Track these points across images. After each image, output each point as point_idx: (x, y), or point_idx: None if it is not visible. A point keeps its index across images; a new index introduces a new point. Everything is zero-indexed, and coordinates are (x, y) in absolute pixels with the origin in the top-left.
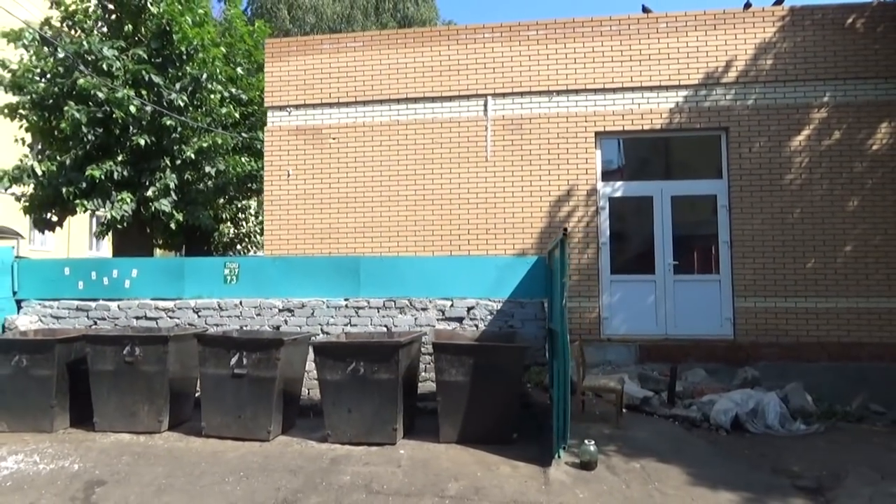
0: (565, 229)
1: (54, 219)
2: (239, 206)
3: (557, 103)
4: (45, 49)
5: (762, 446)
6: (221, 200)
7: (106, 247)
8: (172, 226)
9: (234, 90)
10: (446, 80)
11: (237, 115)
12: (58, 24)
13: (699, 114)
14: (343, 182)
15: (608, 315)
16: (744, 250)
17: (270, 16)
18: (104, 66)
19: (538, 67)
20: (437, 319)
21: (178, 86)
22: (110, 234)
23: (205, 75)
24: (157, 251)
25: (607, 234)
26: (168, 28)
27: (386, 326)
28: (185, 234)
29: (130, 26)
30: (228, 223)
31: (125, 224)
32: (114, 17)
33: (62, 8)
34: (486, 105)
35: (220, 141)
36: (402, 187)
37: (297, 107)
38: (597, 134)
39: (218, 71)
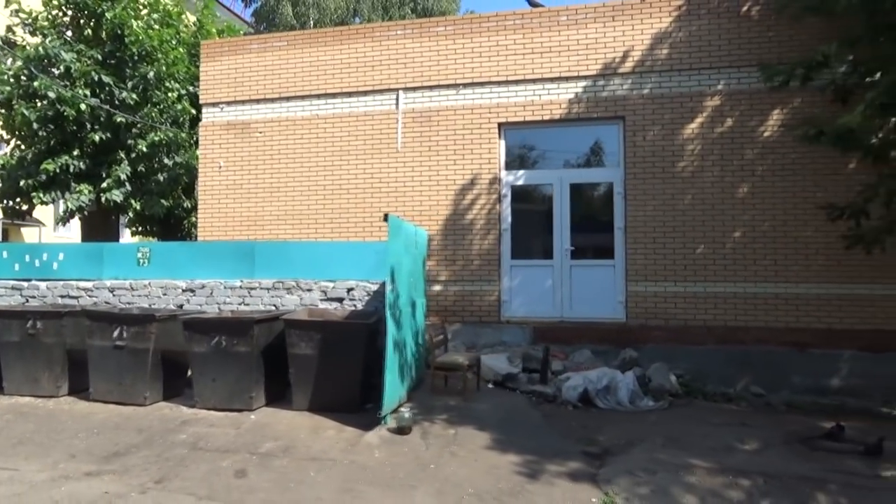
0: (386, 215)
1: (24, 207)
2: None
3: (464, 96)
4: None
5: (594, 419)
6: (181, 190)
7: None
8: (130, 214)
9: (191, 88)
10: (362, 75)
11: (193, 111)
12: (20, 31)
13: (597, 104)
14: (268, 173)
15: (507, 298)
16: (637, 236)
17: (274, 14)
18: (62, 69)
19: (446, 62)
20: (321, 300)
21: (129, 84)
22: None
23: (151, 73)
24: (136, 237)
25: (509, 221)
26: (121, 31)
27: (275, 305)
28: (160, 223)
29: (90, 30)
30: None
31: (85, 213)
32: (74, 22)
33: (24, 15)
34: (398, 99)
35: (171, 135)
36: (320, 178)
37: (228, 103)
38: (500, 125)
39: (177, 70)
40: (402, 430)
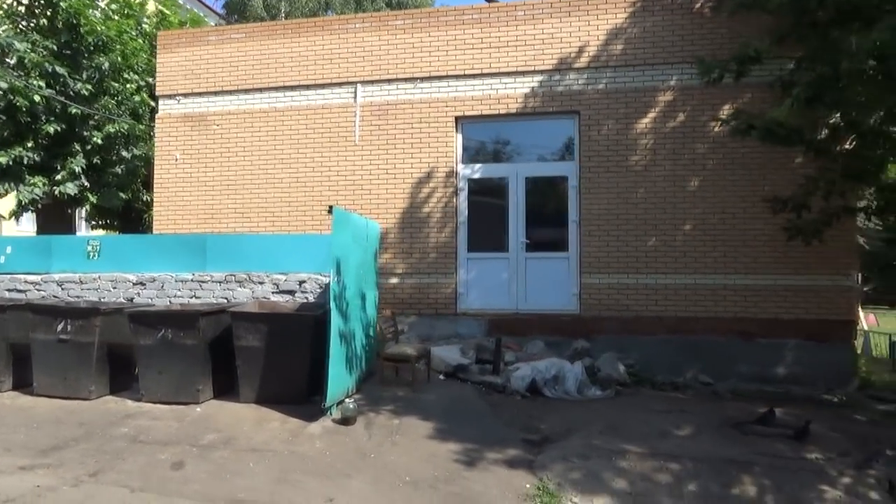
0: (331, 207)
1: None
2: None
3: (421, 89)
4: None
5: (540, 409)
6: (140, 183)
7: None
8: (88, 207)
9: (151, 79)
10: (320, 68)
11: (153, 103)
12: None
13: (552, 98)
14: (225, 166)
15: (463, 291)
16: (590, 229)
17: (245, 6)
18: (15, 59)
19: (404, 56)
20: (272, 292)
21: (85, 75)
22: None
23: (107, 64)
24: (97, 231)
25: (465, 214)
26: (76, 21)
27: (226, 298)
28: (120, 216)
29: (45, 20)
30: None
31: (39, 206)
32: (29, 11)
33: None
34: (355, 92)
35: (127, 127)
36: (277, 171)
37: (185, 95)
38: (457, 118)
39: (136, 61)
40: (346, 421)
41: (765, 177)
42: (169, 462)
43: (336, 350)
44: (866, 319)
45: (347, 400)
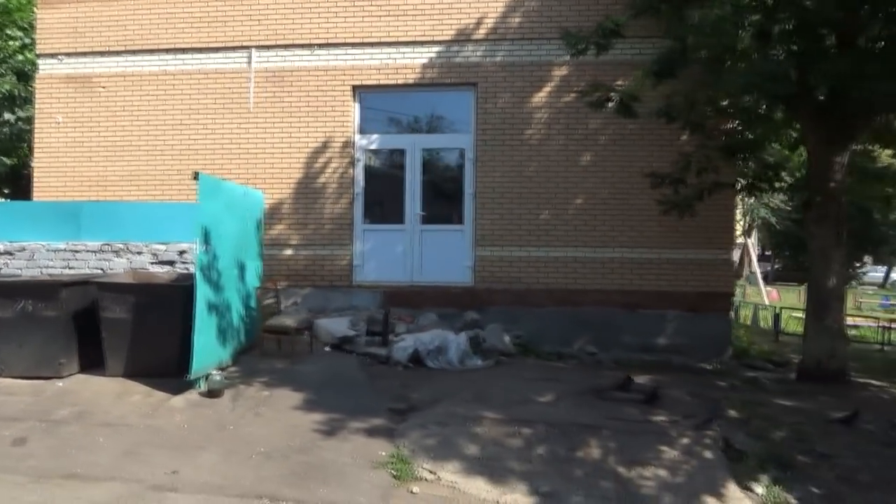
0: (196, 173)
1: None
2: None
3: (318, 56)
4: None
5: (418, 379)
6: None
7: None
8: None
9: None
10: (213, 31)
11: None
12: None
13: (450, 69)
14: (112, 131)
15: (359, 263)
16: (485, 201)
17: None
18: None
19: (301, 21)
20: (151, 263)
21: None
22: None
23: None
24: None
25: (362, 185)
26: None
27: (102, 269)
28: (10, 182)
29: None
30: None
31: None
32: None
33: None
34: (250, 57)
35: (7, 87)
36: (168, 137)
37: (68, 55)
38: (354, 88)
39: (20, 17)
40: (212, 394)
41: (652, 153)
42: (11, 438)
43: (203, 320)
44: (769, 296)
45: (214, 372)
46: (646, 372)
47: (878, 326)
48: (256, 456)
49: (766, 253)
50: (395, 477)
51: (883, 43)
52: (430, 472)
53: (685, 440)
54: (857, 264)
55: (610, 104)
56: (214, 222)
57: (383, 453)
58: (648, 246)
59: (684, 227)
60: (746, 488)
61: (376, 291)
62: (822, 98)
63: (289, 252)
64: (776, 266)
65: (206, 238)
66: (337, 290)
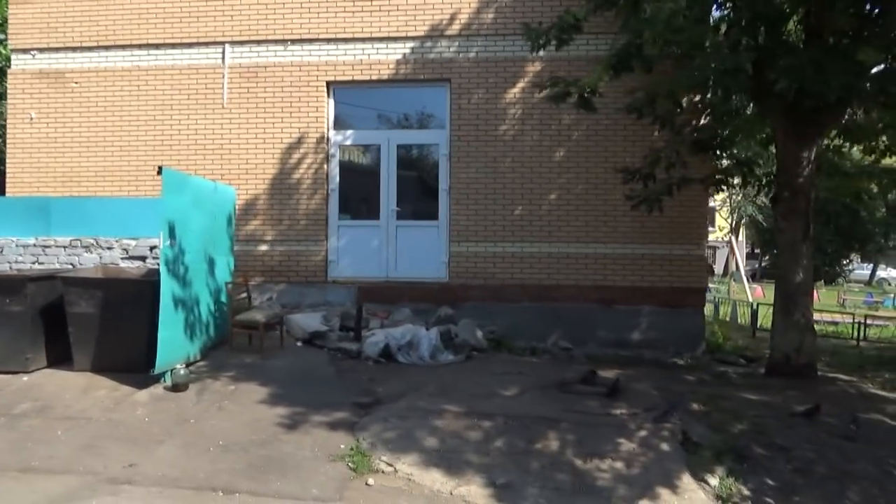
0: (160, 168)
1: None
2: None
3: (292, 52)
4: None
5: (387, 373)
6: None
7: None
8: None
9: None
10: (186, 26)
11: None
12: None
13: (424, 65)
14: (85, 127)
15: (334, 258)
16: (459, 197)
17: None
18: None
19: (275, 16)
20: (121, 258)
21: None
22: None
23: None
24: None
25: (336, 181)
26: None
27: (72, 264)
28: None
29: None
30: None
31: None
32: None
33: None
34: (224, 53)
35: None
36: (142, 132)
37: (40, 50)
38: (328, 83)
39: None
40: (177, 388)
41: (626, 149)
42: None
43: (169, 315)
44: (754, 293)
45: (179, 366)
46: (618, 366)
47: (854, 322)
48: (215, 449)
49: (756, 251)
50: (352, 469)
51: (844, 39)
52: (388, 464)
53: (643, 433)
54: (845, 262)
55: (569, 98)
56: (181, 217)
57: (343, 446)
58: (623, 241)
59: (657, 222)
60: (701, 480)
61: (351, 287)
62: (781, 92)
63: (263, 248)
64: (764, 264)
65: (172, 233)
66: (312, 286)
